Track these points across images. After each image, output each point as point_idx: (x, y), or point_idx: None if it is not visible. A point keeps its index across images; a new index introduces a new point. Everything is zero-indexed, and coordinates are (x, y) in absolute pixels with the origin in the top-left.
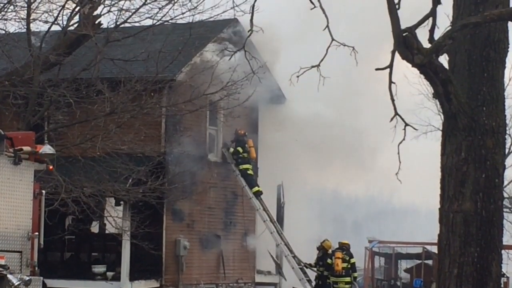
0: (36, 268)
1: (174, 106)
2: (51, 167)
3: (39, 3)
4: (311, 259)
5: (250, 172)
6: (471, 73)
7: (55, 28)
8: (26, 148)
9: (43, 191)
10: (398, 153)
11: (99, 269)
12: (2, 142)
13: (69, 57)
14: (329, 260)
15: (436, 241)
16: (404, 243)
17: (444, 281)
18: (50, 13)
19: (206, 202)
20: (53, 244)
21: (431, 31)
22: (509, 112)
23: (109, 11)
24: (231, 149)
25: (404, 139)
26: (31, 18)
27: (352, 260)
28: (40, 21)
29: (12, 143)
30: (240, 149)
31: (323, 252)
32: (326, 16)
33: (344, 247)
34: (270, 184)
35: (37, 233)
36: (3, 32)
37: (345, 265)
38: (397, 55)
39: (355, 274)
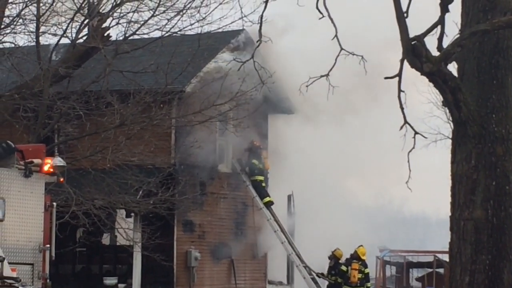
0: (48, 280)
1: (183, 117)
2: (61, 179)
3: (48, 16)
4: (323, 268)
5: (263, 184)
6: (480, 80)
7: (64, 41)
8: (37, 161)
9: (54, 204)
10: (408, 161)
11: (110, 281)
12: (13, 155)
13: (78, 70)
14: (343, 267)
15: (447, 249)
16: (415, 251)
17: None
18: (59, 26)
19: (216, 213)
20: (64, 256)
21: (440, 39)
22: None
23: (117, 23)
24: (247, 168)
25: (414, 147)
26: (40, 31)
27: (366, 270)
28: (49, 34)
29: (22, 156)
30: (255, 161)
31: (335, 261)
32: (334, 25)
33: (361, 260)
34: (281, 194)
35: (48, 246)
36: (13, 45)
37: (360, 275)
38: (406, 63)
39: (368, 284)
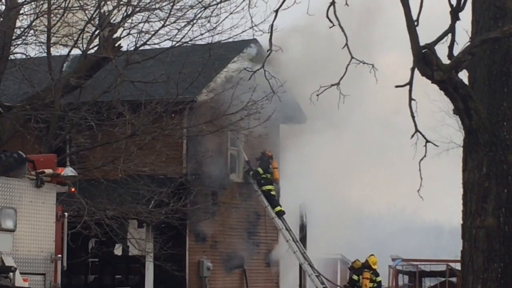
0: None
1: (195, 127)
2: (73, 189)
3: (59, 27)
4: (334, 278)
5: (273, 193)
6: (491, 88)
7: (75, 51)
8: (48, 171)
9: (66, 214)
10: (420, 170)
11: None
12: (24, 165)
13: (89, 80)
14: (354, 276)
15: (460, 258)
16: (428, 260)
17: None
18: (70, 37)
19: (228, 223)
20: (76, 267)
21: (451, 47)
22: None
23: (128, 34)
24: (251, 172)
25: (425, 156)
26: (51, 42)
27: (378, 279)
28: (60, 45)
29: (34, 166)
30: (260, 170)
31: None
32: (345, 34)
33: (372, 269)
34: (292, 204)
35: (60, 256)
36: (24, 56)
37: (371, 284)
38: (417, 71)
39: None
